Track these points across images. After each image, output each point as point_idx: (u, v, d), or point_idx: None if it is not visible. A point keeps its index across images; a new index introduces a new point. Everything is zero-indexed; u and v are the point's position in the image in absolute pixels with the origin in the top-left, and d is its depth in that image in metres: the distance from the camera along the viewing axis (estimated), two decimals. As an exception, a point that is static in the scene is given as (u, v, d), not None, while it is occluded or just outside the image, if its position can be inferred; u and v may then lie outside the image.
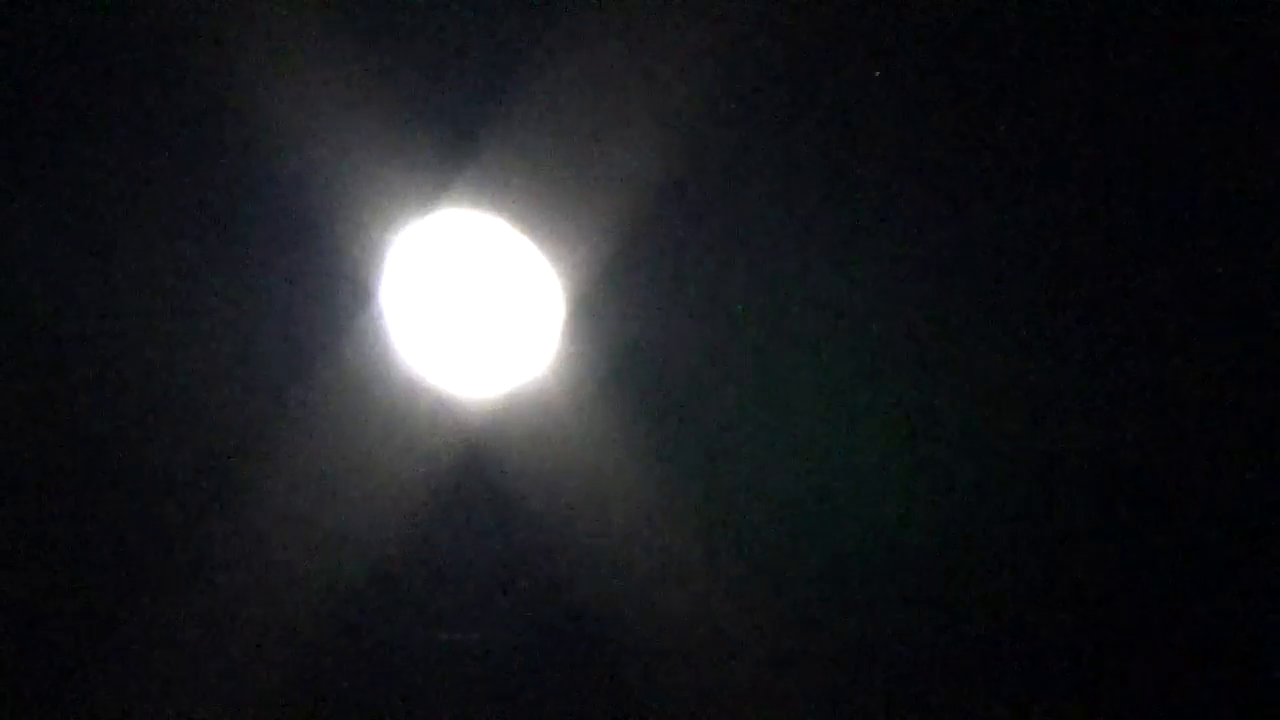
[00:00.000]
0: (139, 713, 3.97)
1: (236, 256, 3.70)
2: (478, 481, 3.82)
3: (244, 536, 3.87)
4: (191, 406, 3.81)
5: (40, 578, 3.93)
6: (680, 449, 3.83)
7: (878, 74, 3.54)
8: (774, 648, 3.94)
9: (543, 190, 3.61)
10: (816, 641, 3.94)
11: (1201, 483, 3.83)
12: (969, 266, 3.69)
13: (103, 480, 3.87)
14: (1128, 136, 3.58)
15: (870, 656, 3.96)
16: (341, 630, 3.94)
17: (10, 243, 3.69)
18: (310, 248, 3.66)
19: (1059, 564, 3.90)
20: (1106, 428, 3.80)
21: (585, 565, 3.89)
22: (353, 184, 3.61)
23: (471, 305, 3.70)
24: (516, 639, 3.95)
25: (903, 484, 3.83)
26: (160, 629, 3.94)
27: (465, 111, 3.57)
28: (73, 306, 3.74)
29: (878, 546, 3.88)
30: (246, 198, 3.64)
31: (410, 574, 3.91)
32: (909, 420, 3.80)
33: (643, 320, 3.73)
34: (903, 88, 3.57)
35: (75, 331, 3.75)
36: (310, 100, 3.55)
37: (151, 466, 3.86)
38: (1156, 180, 3.61)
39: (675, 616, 3.92)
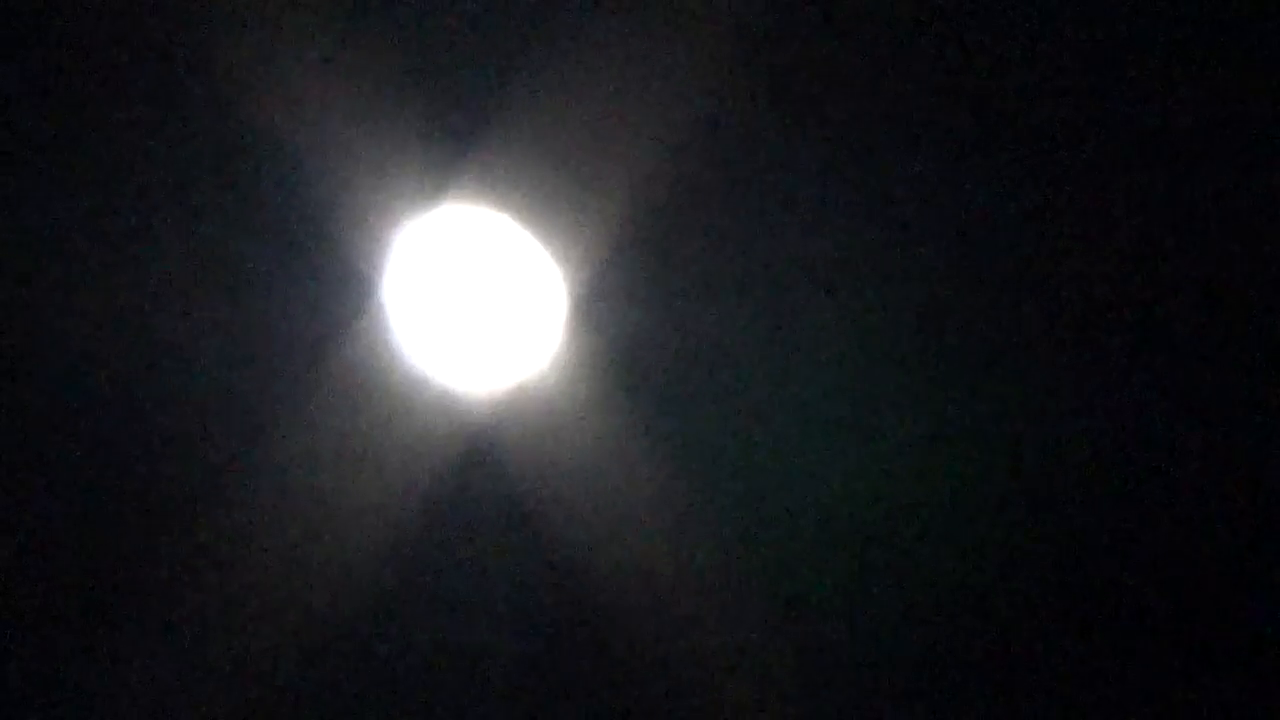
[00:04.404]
0: (138, 713, 3.97)
1: (239, 253, 3.69)
2: (481, 477, 3.82)
3: (246, 533, 3.87)
4: (194, 403, 3.81)
5: (38, 577, 3.93)
6: (683, 444, 3.83)
7: (879, 72, 3.54)
8: (779, 645, 3.95)
9: (546, 185, 3.61)
10: (822, 639, 3.95)
11: (1204, 484, 3.84)
12: (973, 265, 3.69)
13: (103, 477, 3.87)
14: (1136, 136, 3.58)
15: (876, 655, 3.97)
16: (344, 627, 3.94)
17: (11, 241, 3.69)
18: (313, 244, 3.66)
19: (1068, 566, 3.91)
20: (1115, 429, 3.81)
21: (589, 560, 3.89)
22: (355, 179, 3.60)
23: (474, 301, 3.70)
24: (519, 635, 3.95)
25: (908, 480, 3.84)
26: (161, 627, 3.94)
27: (468, 106, 3.57)
28: (73, 304, 3.73)
29: (884, 542, 3.88)
30: (248, 194, 3.64)
31: (413, 569, 3.91)
32: (913, 416, 3.80)
33: (646, 316, 3.73)
34: (904, 85, 3.57)
35: (76, 329, 3.75)
36: (313, 96, 3.54)
37: (154, 463, 3.86)
38: (1164, 179, 3.61)
39: (679, 613, 3.92)
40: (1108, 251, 3.67)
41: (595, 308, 3.70)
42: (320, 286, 3.69)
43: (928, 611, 3.95)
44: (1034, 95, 3.56)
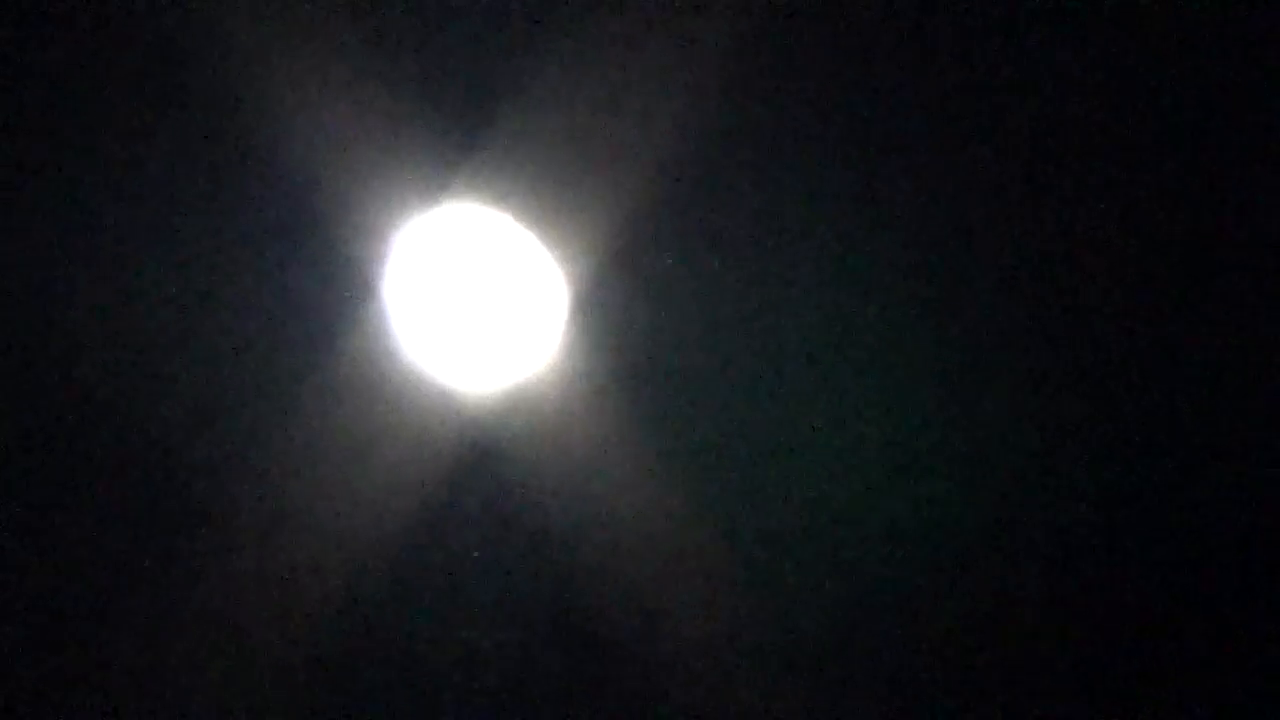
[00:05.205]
0: (138, 712, 3.96)
1: (241, 251, 3.69)
2: (481, 475, 3.82)
3: (247, 531, 3.86)
4: (195, 401, 3.81)
5: (39, 575, 3.92)
6: (683, 443, 3.82)
7: (879, 74, 3.55)
8: (778, 645, 3.94)
9: (547, 185, 3.61)
10: (821, 639, 3.94)
11: (1203, 484, 3.84)
12: (974, 266, 3.69)
13: (105, 475, 3.87)
14: (1133, 139, 3.58)
15: (875, 654, 3.96)
16: (344, 626, 3.94)
17: (15, 238, 3.69)
18: (314, 242, 3.66)
19: (1063, 566, 3.90)
20: (1112, 430, 3.81)
21: (588, 559, 3.88)
22: (357, 179, 3.61)
23: (475, 300, 3.70)
24: (519, 634, 3.94)
25: (906, 479, 3.83)
26: (161, 625, 3.93)
27: (469, 106, 3.57)
28: (75, 301, 3.73)
29: (882, 542, 3.88)
30: (251, 193, 3.64)
31: (413, 568, 3.90)
32: (912, 416, 3.80)
33: (645, 314, 3.73)
34: (904, 85, 3.58)
35: (78, 326, 3.75)
36: (315, 96, 3.55)
37: (154, 461, 3.85)
38: (1158, 180, 3.62)
39: (678, 611, 3.91)
40: (1111, 252, 3.67)
41: (595, 307, 3.70)
42: (322, 285, 3.69)
43: (928, 611, 3.95)
44: (1035, 97, 3.57)
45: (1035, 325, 3.74)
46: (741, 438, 3.83)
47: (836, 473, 3.84)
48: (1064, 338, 3.75)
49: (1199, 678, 3.95)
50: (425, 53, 3.56)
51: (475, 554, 3.88)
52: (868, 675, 3.97)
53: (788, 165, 3.63)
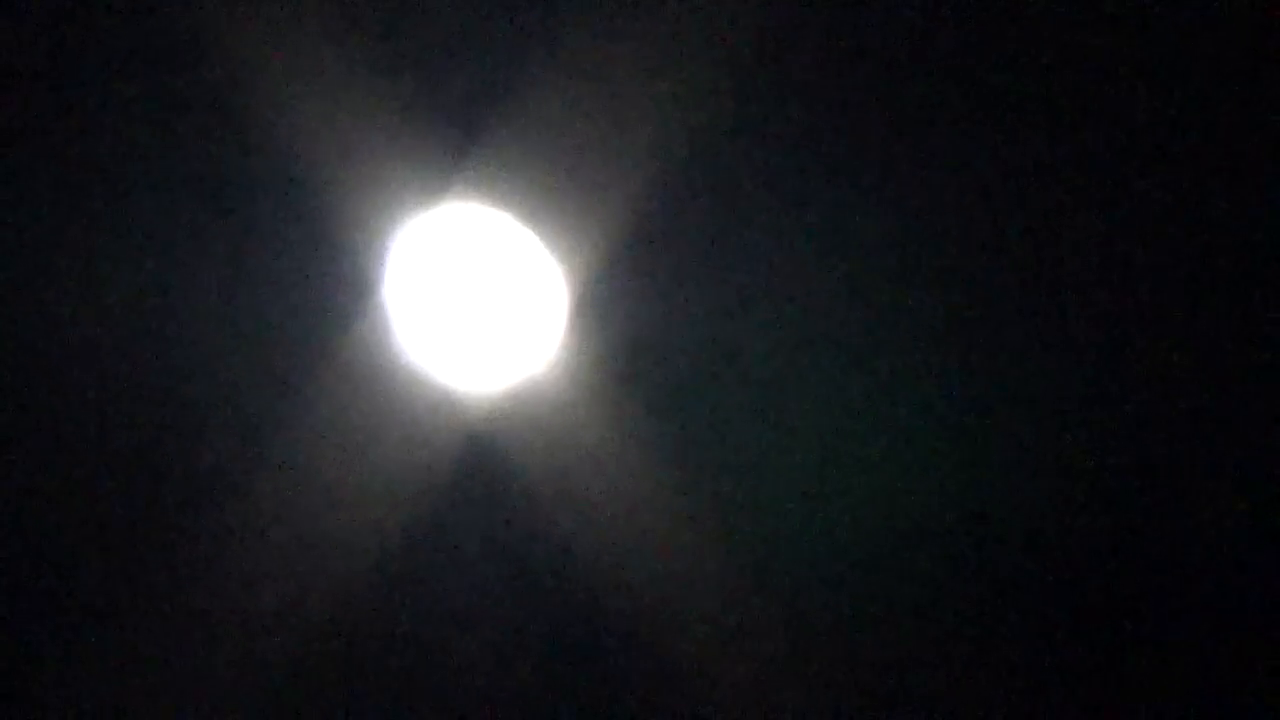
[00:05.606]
0: (136, 713, 3.97)
1: (239, 251, 3.69)
2: (481, 476, 3.82)
3: (245, 532, 3.87)
4: (193, 401, 3.81)
5: (36, 576, 3.93)
6: (684, 443, 3.83)
7: (882, 72, 3.54)
8: (779, 645, 3.95)
9: (547, 184, 3.61)
10: (823, 639, 3.95)
11: (1203, 482, 3.84)
12: (974, 262, 3.68)
13: (103, 476, 3.87)
14: (1138, 135, 3.57)
15: (875, 654, 3.97)
16: (343, 627, 3.95)
17: (13, 242, 3.69)
18: (313, 242, 3.66)
19: (1066, 565, 3.91)
20: (1111, 425, 3.81)
21: (589, 560, 3.89)
22: (356, 178, 3.60)
23: (475, 299, 3.70)
24: (519, 635, 3.95)
25: (909, 479, 3.83)
26: (159, 626, 3.94)
27: (469, 104, 3.56)
28: (73, 303, 3.73)
29: (884, 542, 3.88)
30: (249, 192, 3.64)
31: (412, 569, 3.91)
32: (914, 415, 3.80)
33: (647, 314, 3.73)
34: (905, 82, 3.56)
35: (76, 329, 3.75)
36: (313, 94, 3.54)
37: (152, 461, 3.86)
38: (1159, 178, 3.61)
39: (680, 612, 3.92)
40: (1121, 253, 3.67)
41: (596, 307, 3.70)
42: (320, 286, 3.69)
43: (931, 610, 3.95)
44: (1040, 97, 3.55)
45: (1045, 326, 3.73)
46: (743, 437, 3.83)
47: (840, 473, 3.84)
48: (1074, 337, 3.74)
49: (1199, 678, 3.96)
50: (426, 52, 3.55)
51: (474, 555, 3.89)
52: (870, 675, 3.98)
53: (791, 166, 3.62)
